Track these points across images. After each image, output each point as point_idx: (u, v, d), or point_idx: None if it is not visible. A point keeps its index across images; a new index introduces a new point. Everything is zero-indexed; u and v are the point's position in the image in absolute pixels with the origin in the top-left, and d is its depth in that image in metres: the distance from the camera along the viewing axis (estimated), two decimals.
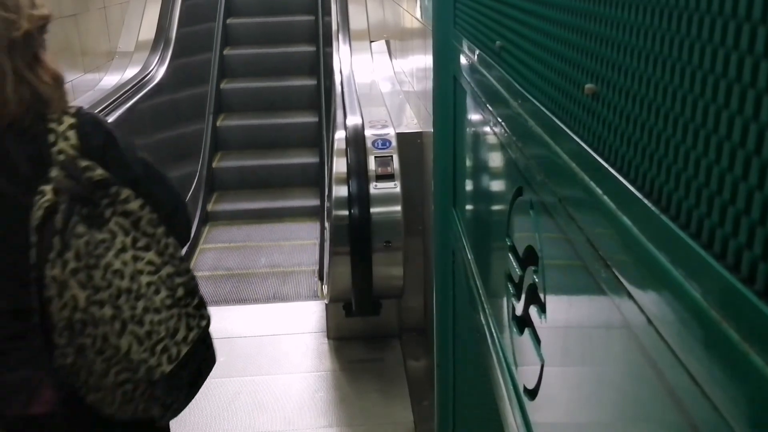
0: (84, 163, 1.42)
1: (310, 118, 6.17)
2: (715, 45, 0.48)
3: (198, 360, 1.60)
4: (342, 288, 3.28)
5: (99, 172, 1.42)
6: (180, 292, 1.51)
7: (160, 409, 1.55)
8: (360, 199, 3.11)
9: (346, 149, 3.27)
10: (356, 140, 3.28)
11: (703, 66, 0.50)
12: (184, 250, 1.49)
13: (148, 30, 5.25)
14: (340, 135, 3.42)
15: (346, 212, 3.12)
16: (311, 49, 6.56)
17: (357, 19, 5.35)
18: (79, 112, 1.51)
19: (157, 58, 5.07)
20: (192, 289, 1.56)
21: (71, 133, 1.45)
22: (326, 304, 3.64)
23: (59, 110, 1.48)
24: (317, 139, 5.95)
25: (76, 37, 4.34)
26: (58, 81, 1.56)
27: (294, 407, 3.13)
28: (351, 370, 3.40)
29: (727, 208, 0.47)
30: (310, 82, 6.36)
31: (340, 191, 3.17)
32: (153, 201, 1.49)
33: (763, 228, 0.43)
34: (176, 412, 1.61)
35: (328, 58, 5.62)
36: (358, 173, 3.16)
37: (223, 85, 6.45)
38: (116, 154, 1.49)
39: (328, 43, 5.79)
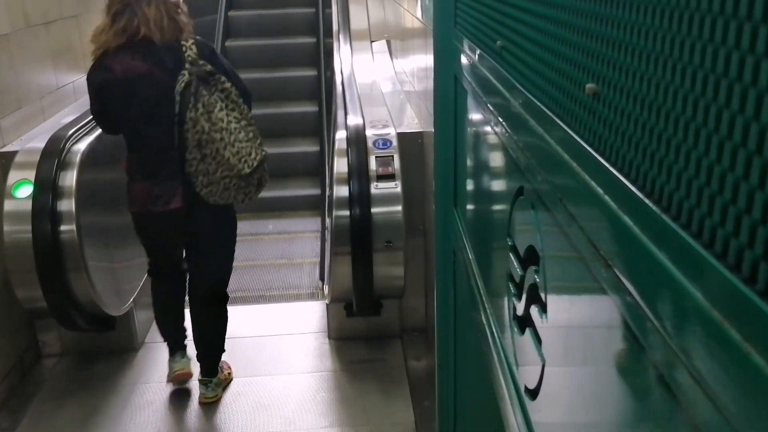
0: (201, 62, 2.68)
1: (311, 107, 6.22)
2: (716, 45, 0.48)
3: (260, 171, 2.80)
4: (343, 288, 3.28)
5: (209, 66, 2.68)
6: (251, 134, 2.75)
7: (242, 196, 2.80)
8: (361, 199, 3.11)
9: (347, 149, 3.27)
10: (357, 140, 3.28)
11: (704, 66, 0.50)
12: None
13: None
14: (341, 135, 3.42)
15: (347, 212, 3.12)
16: (312, 40, 6.62)
17: (358, 19, 5.35)
18: (196, 39, 2.76)
19: None
20: (257, 133, 2.79)
21: (193, 47, 2.70)
22: (327, 304, 3.64)
23: (187, 35, 2.72)
24: (317, 128, 6.01)
25: (77, 38, 4.34)
26: (188, 19, 2.78)
27: (295, 407, 3.12)
28: (352, 370, 3.40)
29: (728, 207, 0.47)
30: (311, 72, 6.41)
31: (341, 191, 3.17)
32: (236, 84, 2.73)
33: (764, 228, 0.42)
34: (251, 200, 2.87)
35: (329, 52, 5.68)
36: (359, 173, 3.16)
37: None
38: (215, 59, 2.77)
39: (329, 35, 5.83)
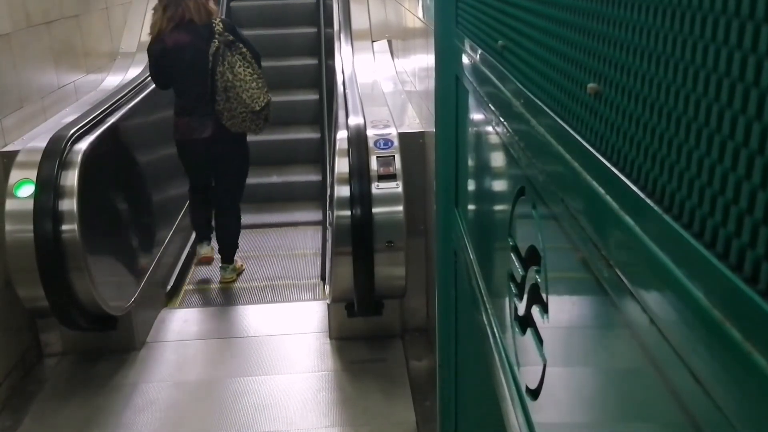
0: (226, 33, 3.88)
1: (311, 96, 6.33)
2: (718, 44, 0.48)
3: (267, 110, 4.00)
4: (344, 288, 3.28)
5: (231, 37, 3.89)
6: (260, 84, 3.95)
7: (254, 126, 4.00)
8: (362, 199, 3.11)
9: (348, 149, 3.27)
10: (358, 140, 3.28)
11: (706, 65, 0.50)
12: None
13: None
14: (342, 135, 3.42)
15: (348, 212, 3.12)
16: (312, 30, 6.71)
17: (359, 19, 5.35)
18: (222, 18, 4.01)
19: None
20: (265, 84, 4.00)
21: (220, 24, 3.91)
22: (328, 304, 3.64)
23: (216, 16, 3.94)
24: (317, 115, 6.14)
25: (78, 38, 4.34)
26: (215, 6, 4.05)
27: (296, 407, 3.13)
28: (353, 370, 3.40)
29: (729, 207, 0.46)
30: (311, 30, 6.56)
31: (342, 191, 3.17)
32: (250, 50, 3.94)
33: (765, 227, 0.42)
34: (260, 131, 4.09)
35: (329, 45, 5.79)
36: (360, 173, 3.16)
37: None
38: (235, 32, 3.96)
39: (329, 25, 5.92)
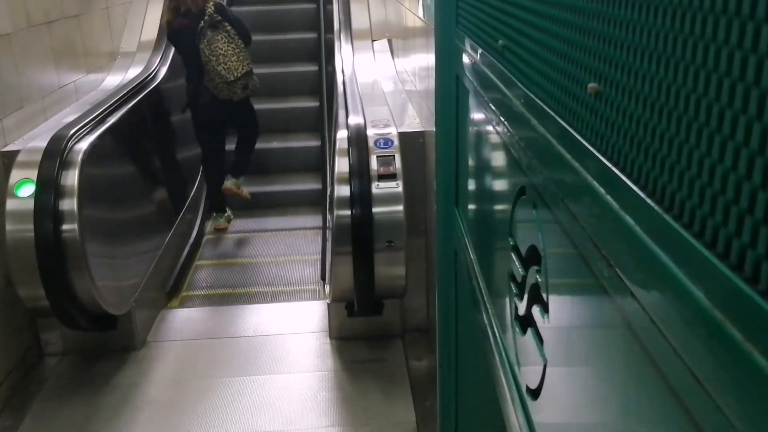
0: (216, 15, 4.69)
1: (312, 103, 6.31)
2: (718, 44, 0.48)
3: (245, 80, 4.78)
4: (344, 288, 3.28)
5: (219, 17, 4.70)
6: (241, 57, 4.72)
7: (232, 94, 4.75)
8: (362, 198, 3.11)
9: (348, 149, 3.27)
10: (358, 140, 3.28)
11: (706, 65, 0.50)
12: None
13: (150, 30, 5.25)
14: (342, 134, 3.42)
15: (348, 212, 3.12)
16: (313, 35, 6.69)
17: (359, 19, 5.35)
18: (216, 3, 4.77)
19: (159, 57, 5.08)
20: (246, 56, 4.77)
21: (212, 7, 4.70)
22: (328, 304, 3.64)
23: (210, 3, 4.72)
24: (316, 53, 6.25)
25: (79, 37, 4.34)
26: None
27: (296, 407, 3.13)
28: (353, 370, 3.40)
29: (730, 207, 0.46)
30: (312, 68, 6.50)
31: (342, 191, 3.17)
32: (237, 28, 4.74)
33: (766, 227, 0.42)
34: (239, 97, 4.80)
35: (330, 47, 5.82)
36: (360, 173, 3.16)
37: None
38: (224, 13, 4.76)
39: (329, 30, 5.94)
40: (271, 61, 6.34)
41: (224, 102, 4.78)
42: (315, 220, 5.39)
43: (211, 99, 4.78)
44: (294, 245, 5.11)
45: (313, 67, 6.43)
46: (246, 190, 5.21)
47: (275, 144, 6.01)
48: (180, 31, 4.77)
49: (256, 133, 5.22)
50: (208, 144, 5.09)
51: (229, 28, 4.69)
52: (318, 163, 5.79)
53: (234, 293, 4.41)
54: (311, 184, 5.76)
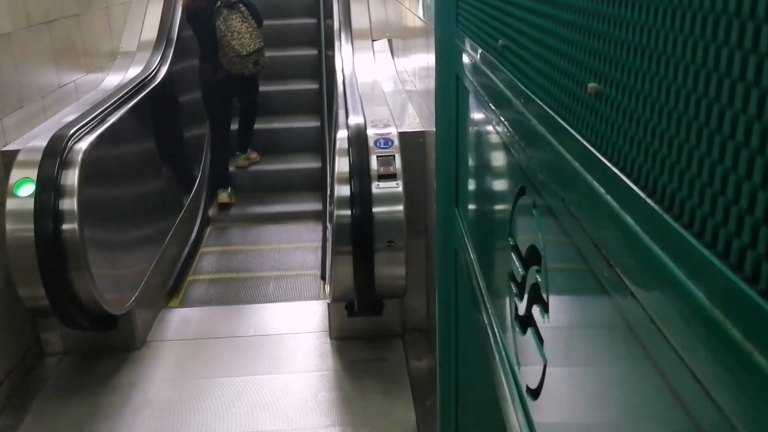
0: None
1: (312, 85, 6.53)
2: (718, 44, 0.48)
3: (256, 56, 5.47)
4: (344, 288, 3.28)
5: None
6: (253, 35, 5.42)
7: (244, 69, 5.44)
8: (362, 198, 3.11)
9: (349, 149, 3.27)
10: (358, 140, 3.28)
11: (706, 65, 0.50)
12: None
13: (150, 30, 5.25)
14: (342, 134, 3.42)
15: (348, 212, 3.12)
16: (313, 21, 6.91)
17: (359, 18, 5.35)
18: None
19: (159, 57, 5.08)
20: (258, 35, 5.49)
21: None
22: (329, 304, 3.64)
23: None
24: (317, 104, 6.40)
25: (78, 37, 4.34)
26: None
27: (296, 407, 3.13)
28: (353, 369, 3.40)
29: (730, 207, 0.46)
30: (312, 52, 6.70)
31: (343, 191, 3.17)
32: (251, 10, 5.47)
33: (766, 227, 0.42)
34: (250, 71, 5.50)
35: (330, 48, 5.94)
36: (360, 173, 3.16)
37: None
38: None
39: (329, 16, 6.09)
40: (276, 45, 6.57)
41: (235, 76, 5.44)
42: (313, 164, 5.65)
43: (224, 75, 5.43)
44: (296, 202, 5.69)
45: (313, 51, 6.72)
46: (254, 154, 6.05)
47: (276, 124, 6.44)
48: (197, 12, 5.38)
49: (255, 108, 5.86)
50: (217, 116, 5.67)
51: (243, 8, 5.35)
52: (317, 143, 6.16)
53: (233, 294, 4.41)
54: (311, 163, 6.14)
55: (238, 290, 4.45)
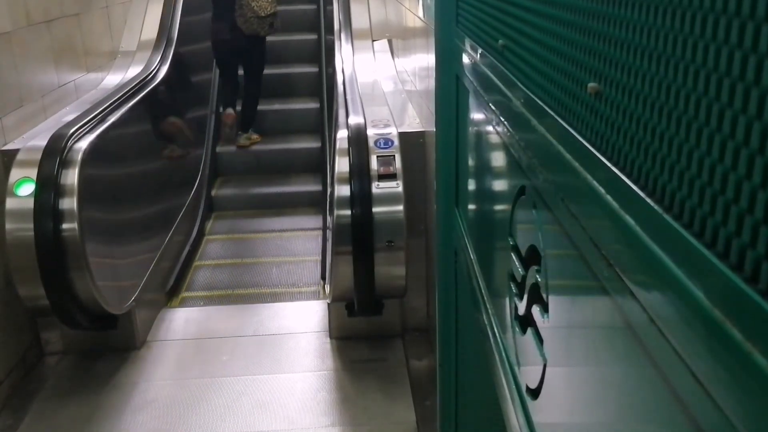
0: None
1: (313, 105, 6.56)
2: (718, 44, 0.48)
3: (272, 19, 5.89)
4: (344, 288, 3.28)
5: None
6: (271, 0, 5.86)
7: (260, 30, 5.87)
8: (362, 198, 3.11)
9: (349, 149, 3.27)
10: (358, 140, 3.28)
11: (706, 64, 0.49)
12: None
13: (150, 29, 5.25)
14: (342, 134, 3.42)
15: (348, 212, 3.12)
16: (313, 7, 7.03)
17: (359, 18, 5.35)
18: None
19: (160, 56, 5.08)
20: (275, 1, 5.91)
21: None
22: (329, 304, 3.64)
23: None
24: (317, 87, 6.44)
25: (78, 36, 4.34)
26: None
27: (296, 406, 3.13)
28: (353, 369, 3.40)
29: (730, 206, 0.46)
30: (313, 69, 6.79)
31: (343, 191, 3.17)
32: None
33: (766, 227, 0.42)
34: (267, 34, 5.97)
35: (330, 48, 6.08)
36: (360, 173, 3.16)
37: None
38: None
39: (330, 32, 6.11)
40: (275, 63, 6.68)
41: (249, 36, 5.83)
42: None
43: (239, 33, 5.82)
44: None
45: (313, 36, 6.90)
46: (255, 135, 6.24)
47: (277, 106, 6.68)
48: None
49: (261, 70, 6.17)
50: (227, 70, 6.19)
51: None
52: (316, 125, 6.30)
53: (234, 293, 4.41)
54: (311, 143, 6.30)
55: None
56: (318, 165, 5.90)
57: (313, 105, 6.49)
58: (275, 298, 4.32)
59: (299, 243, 5.14)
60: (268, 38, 6.11)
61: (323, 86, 6.15)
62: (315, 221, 5.39)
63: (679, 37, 0.53)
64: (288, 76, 6.81)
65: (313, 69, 6.70)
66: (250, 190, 5.98)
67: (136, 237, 4.00)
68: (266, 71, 6.27)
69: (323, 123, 5.77)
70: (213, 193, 5.87)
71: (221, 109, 6.31)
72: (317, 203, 5.57)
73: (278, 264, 4.82)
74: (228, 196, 5.90)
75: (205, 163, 5.87)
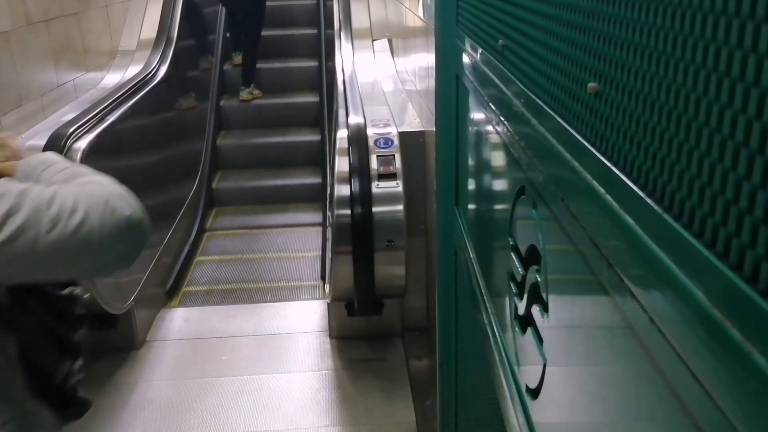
0: None
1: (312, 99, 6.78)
2: (718, 44, 0.48)
3: None
4: (344, 287, 3.28)
5: None
6: None
7: None
8: (362, 198, 3.11)
9: (349, 148, 3.27)
10: (358, 139, 3.28)
11: (706, 64, 0.49)
12: None
13: (150, 28, 5.25)
14: (342, 134, 3.42)
15: (348, 211, 3.12)
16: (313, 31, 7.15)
17: (359, 18, 5.35)
18: None
19: (159, 56, 5.08)
20: None
21: None
22: (328, 304, 3.64)
23: None
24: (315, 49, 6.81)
25: (78, 35, 4.34)
26: None
27: (296, 406, 3.13)
28: (353, 369, 3.40)
29: (729, 206, 0.46)
30: (312, 63, 6.94)
31: (342, 190, 3.17)
32: None
33: (766, 227, 0.42)
34: None
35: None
36: (360, 172, 3.16)
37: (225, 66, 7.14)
38: None
39: (330, 26, 6.21)
40: (274, 56, 6.91)
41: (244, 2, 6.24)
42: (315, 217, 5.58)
43: None
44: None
45: (314, 63, 6.97)
46: (257, 90, 6.62)
47: (277, 64, 7.00)
48: None
49: (258, 46, 6.50)
50: (232, 27, 6.76)
51: None
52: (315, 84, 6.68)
53: (233, 292, 4.41)
54: (310, 98, 6.67)
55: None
56: (316, 120, 6.38)
57: (312, 63, 6.92)
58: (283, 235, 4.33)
59: (299, 191, 5.83)
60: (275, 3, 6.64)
61: (322, 47, 6.59)
62: (313, 173, 5.93)
63: (679, 37, 0.53)
64: (288, 37, 7.22)
65: (312, 30, 7.07)
66: (252, 140, 6.45)
67: None
68: (271, 32, 6.75)
69: (321, 79, 6.36)
70: (218, 142, 6.34)
71: (232, 55, 6.98)
72: (315, 156, 6.07)
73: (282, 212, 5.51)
74: (232, 146, 6.40)
75: (205, 157, 5.88)
